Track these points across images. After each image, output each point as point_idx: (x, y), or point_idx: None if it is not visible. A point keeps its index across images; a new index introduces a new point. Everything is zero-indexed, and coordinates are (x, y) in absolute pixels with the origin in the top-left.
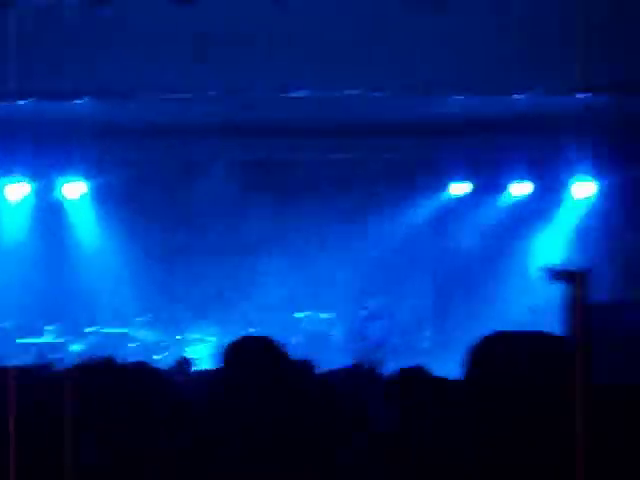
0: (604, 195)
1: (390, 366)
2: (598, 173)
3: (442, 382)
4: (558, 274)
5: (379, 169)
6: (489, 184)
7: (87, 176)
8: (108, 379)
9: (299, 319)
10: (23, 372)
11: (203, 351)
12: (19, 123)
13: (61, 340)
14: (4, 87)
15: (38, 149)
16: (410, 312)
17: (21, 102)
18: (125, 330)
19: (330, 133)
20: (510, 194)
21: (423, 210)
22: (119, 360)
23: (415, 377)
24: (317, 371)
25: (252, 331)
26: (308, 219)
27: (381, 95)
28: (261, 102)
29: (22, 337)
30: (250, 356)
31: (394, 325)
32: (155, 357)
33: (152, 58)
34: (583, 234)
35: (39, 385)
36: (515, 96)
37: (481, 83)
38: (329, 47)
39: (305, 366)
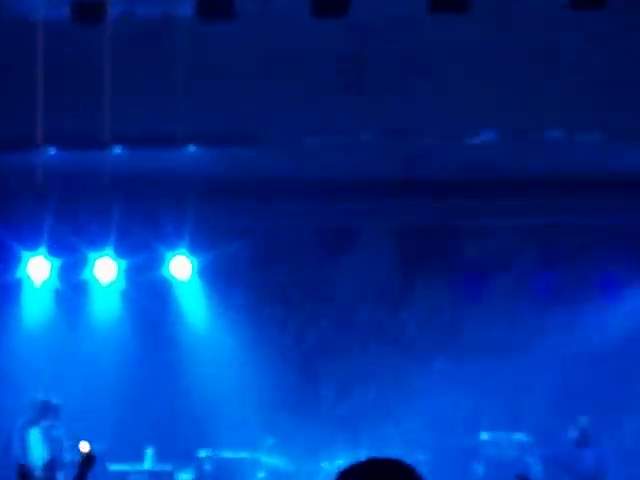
0: None
1: None
2: None
3: None
4: None
5: (589, 236)
6: None
7: (195, 250)
8: None
9: (482, 442)
10: None
11: None
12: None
13: (167, 468)
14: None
15: (128, 213)
16: (636, 434)
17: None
18: (248, 455)
19: (524, 190)
20: None
21: None
22: None
23: None
24: None
25: (421, 458)
26: (493, 305)
27: (591, 139)
28: (431, 149)
29: (116, 462)
30: None
31: (613, 453)
32: None
33: (289, 92)
34: None
35: None
36: None
37: None
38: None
39: None
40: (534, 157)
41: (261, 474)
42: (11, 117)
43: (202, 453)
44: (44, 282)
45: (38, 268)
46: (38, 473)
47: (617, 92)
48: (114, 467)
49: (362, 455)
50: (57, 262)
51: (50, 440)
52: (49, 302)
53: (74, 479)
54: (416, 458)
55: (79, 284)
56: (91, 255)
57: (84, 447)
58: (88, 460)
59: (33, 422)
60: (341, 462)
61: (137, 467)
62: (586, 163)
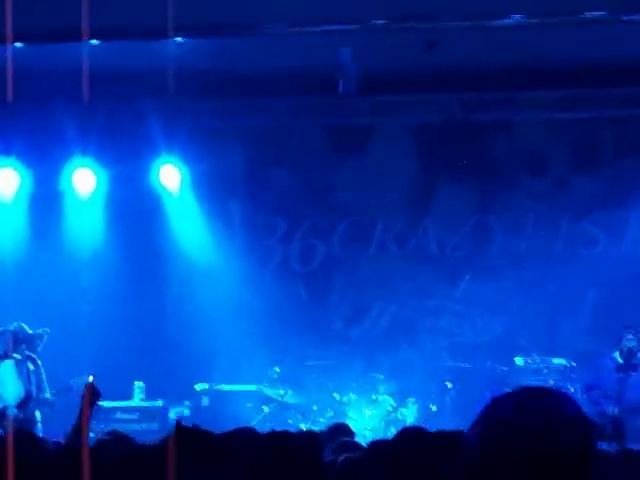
0: None
1: None
2: None
3: None
4: None
5: (636, 131)
6: None
7: (185, 158)
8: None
9: (516, 368)
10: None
11: (374, 417)
12: None
13: (157, 403)
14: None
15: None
16: None
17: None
18: (251, 387)
19: (559, 80)
20: None
21: None
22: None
23: None
24: None
25: (450, 387)
26: (526, 212)
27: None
28: (454, 35)
29: (102, 399)
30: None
31: None
32: (303, 425)
33: None
34: None
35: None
36: None
37: None
38: None
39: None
40: (570, 42)
41: (266, 408)
42: None
43: (199, 386)
44: (14, 196)
45: (7, 180)
46: (12, 411)
47: None
48: (100, 404)
49: (379, 385)
50: (29, 173)
51: (23, 374)
52: (20, 219)
53: (77, 419)
54: (441, 387)
55: (54, 198)
56: (68, 165)
57: (88, 381)
58: (90, 396)
59: (4, 355)
60: (354, 394)
61: (125, 403)
62: (630, 48)
